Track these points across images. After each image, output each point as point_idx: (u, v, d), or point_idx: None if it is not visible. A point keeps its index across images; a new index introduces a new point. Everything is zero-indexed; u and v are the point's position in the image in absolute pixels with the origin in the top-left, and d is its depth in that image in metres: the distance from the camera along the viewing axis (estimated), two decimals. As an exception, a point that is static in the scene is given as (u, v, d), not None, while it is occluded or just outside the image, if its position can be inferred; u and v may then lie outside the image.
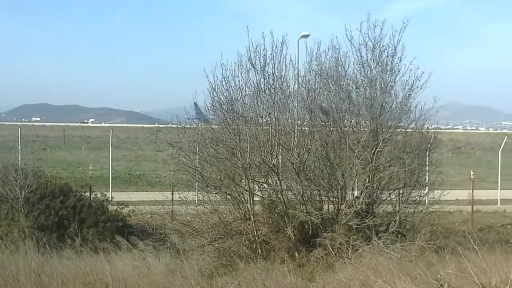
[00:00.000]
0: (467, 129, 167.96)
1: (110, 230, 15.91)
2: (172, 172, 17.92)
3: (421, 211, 15.35)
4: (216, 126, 15.89)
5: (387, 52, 14.72)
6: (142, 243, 13.07)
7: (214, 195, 15.23)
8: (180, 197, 16.18)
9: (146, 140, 63.44)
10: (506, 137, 28.80)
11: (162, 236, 14.77)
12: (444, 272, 8.46)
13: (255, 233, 14.44)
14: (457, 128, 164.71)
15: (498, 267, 8.22)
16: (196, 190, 16.17)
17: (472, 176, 22.39)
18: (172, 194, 17.48)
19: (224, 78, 15.00)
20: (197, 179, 15.54)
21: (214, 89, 15.22)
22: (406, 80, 14.76)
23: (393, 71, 14.82)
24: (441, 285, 7.31)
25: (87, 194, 18.99)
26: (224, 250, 14.42)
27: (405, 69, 14.66)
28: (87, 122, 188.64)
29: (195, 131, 16.03)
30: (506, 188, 27.54)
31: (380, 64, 14.78)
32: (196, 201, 16.13)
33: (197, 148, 15.68)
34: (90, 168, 23.71)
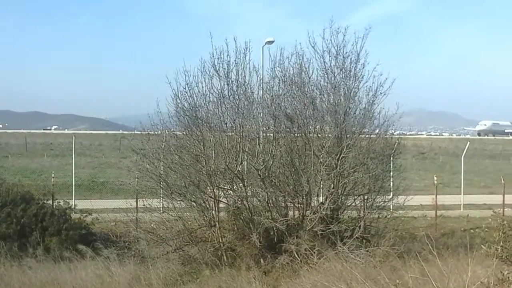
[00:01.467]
0: (431, 135, 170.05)
1: (73, 239, 15.62)
2: (136, 179, 17.74)
3: (386, 216, 15.49)
4: (180, 133, 15.78)
5: (350, 59, 14.88)
6: (106, 251, 12.90)
7: (179, 202, 15.13)
8: (144, 205, 16.04)
9: (110, 147, 62.73)
10: (468, 143, 29.32)
11: (126, 244, 14.57)
12: (407, 277, 8.54)
13: (220, 240, 14.37)
14: (421, 134, 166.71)
15: (459, 270, 8.32)
16: (161, 197, 16.04)
17: (435, 182, 22.67)
18: (137, 202, 17.32)
19: (187, 84, 14.97)
20: (161, 186, 15.39)
21: (177, 96, 15.17)
22: (370, 86, 15.00)
23: (357, 77, 14.98)
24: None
25: (50, 202, 18.63)
26: (189, 257, 14.35)
27: (368, 76, 14.88)
28: (50, 129, 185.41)
29: (159, 138, 15.91)
30: (469, 193, 27.94)
31: (343, 70, 14.90)
32: (161, 208, 16.00)
33: (162, 155, 15.58)
34: (53, 175, 23.28)
